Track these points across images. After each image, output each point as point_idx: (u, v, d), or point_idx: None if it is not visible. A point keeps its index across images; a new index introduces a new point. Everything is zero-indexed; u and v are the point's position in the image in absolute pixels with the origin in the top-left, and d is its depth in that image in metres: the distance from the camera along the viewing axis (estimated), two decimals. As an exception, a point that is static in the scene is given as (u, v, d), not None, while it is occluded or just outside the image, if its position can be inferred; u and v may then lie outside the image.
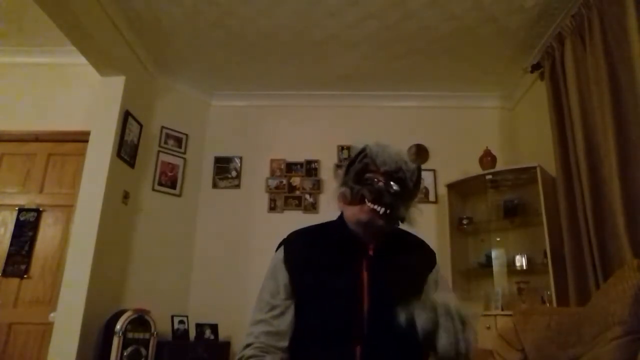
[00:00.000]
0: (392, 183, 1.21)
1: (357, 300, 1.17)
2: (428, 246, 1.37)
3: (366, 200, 1.20)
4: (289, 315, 1.21)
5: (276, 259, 1.28)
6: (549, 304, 2.92)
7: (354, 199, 1.22)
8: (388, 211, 1.20)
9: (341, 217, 1.30)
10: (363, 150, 1.26)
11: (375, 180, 1.21)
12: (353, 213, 1.24)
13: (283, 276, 1.24)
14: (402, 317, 1.04)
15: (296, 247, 1.28)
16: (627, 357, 1.58)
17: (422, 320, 1.01)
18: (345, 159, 1.28)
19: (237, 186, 4.06)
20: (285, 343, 1.19)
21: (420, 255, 1.33)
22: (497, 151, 3.74)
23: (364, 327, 1.14)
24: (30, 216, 3.39)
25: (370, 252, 1.24)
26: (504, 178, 3.50)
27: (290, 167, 4.06)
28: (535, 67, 3.39)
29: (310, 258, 1.24)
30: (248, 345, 1.19)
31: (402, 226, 1.29)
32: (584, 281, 2.60)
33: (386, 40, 3.39)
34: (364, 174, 1.23)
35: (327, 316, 1.17)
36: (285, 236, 1.33)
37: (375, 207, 1.19)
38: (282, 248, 1.29)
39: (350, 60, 3.68)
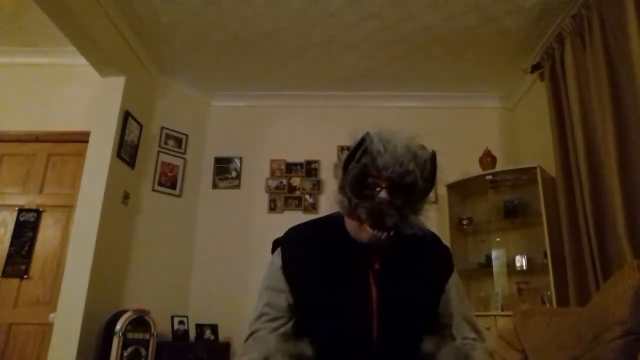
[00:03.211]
0: (397, 193, 1.01)
1: (365, 319, 1.04)
2: (442, 243, 1.22)
3: (365, 224, 1.02)
4: (288, 329, 1.09)
5: (274, 266, 1.14)
6: (549, 304, 2.92)
7: (352, 214, 1.05)
8: (392, 233, 1.02)
9: (343, 218, 1.13)
10: (363, 141, 1.03)
11: (377, 189, 1.01)
12: (353, 228, 1.08)
13: (283, 286, 1.11)
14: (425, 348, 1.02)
15: (295, 252, 1.13)
16: (627, 357, 1.58)
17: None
18: (342, 159, 1.09)
19: (237, 186, 4.06)
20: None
21: (434, 260, 1.17)
22: (497, 151, 3.74)
23: (372, 347, 1.03)
24: (30, 216, 3.39)
25: (377, 266, 1.10)
26: (504, 178, 3.50)
27: (290, 167, 4.06)
28: (535, 68, 3.39)
29: (311, 269, 1.10)
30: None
31: None
32: (584, 281, 2.60)
33: (386, 40, 3.39)
34: (364, 180, 1.03)
35: (333, 336, 1.05)
36: (282, 235, 1.20)
37: (375, 232, 1.01)
38: (279, 252, 1.15)
39: (350, 60, 3.67)
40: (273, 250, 1.19)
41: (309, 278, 1.09)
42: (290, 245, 1.15)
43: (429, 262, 1.15)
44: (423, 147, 1.07)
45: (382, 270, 1.09)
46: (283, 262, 1.12)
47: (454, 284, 1.19)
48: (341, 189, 1.07)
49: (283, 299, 1.10)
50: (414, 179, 1.01)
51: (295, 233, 1.18)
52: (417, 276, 1.11)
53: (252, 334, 1.10)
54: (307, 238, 1.16)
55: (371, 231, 1.01)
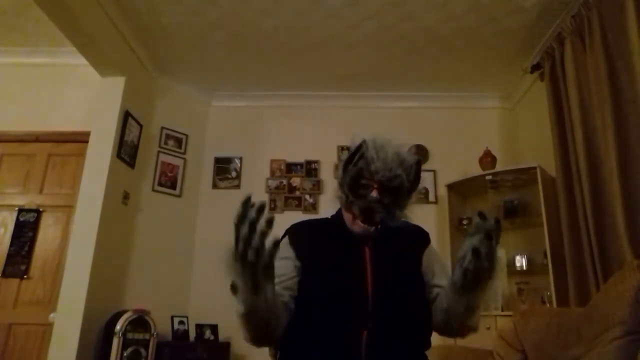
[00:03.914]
0: (386, 193, 1.21)
1: (361, 276, 1.19)
2: (422, 228, 1.40)
3: (357, 219, 1.23)
4: (294, 282, 1.22)
5: (282, 243, 1.29)
6: (549, 304, 2.92)
7: (348, 209, 1.26)
8: (379, 226, 1.23)
9: (340, 212, 1.35)
10: (359, 148, 1.24)
11: (370, 189, 1.21)
12: (348, 220, 1.29)
13: (289, 254, 1.26)
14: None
15: (300, 232, 1.32)
16: (627, 357, 1.58)
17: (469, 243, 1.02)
18: (342, 160, 1.32)
19: (237, 186, 4.06)
20: (285, 298, 1.18)
21: (414, 234, 1.37)
22: (497, 151, 3.74)
23: (369, 304, 1.16)
24: (30, 216, 3.39)
25: (369, 242, 1.27)
26: (503, 178, 3.50)
27: (290, 167, 4.06)
28: (535, 68, 3.39)
29: (314, 241, 1.29)
30: None
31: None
32: (584, 282, 2.60)
33: (386, 40, 3.39)
34: (359, 181, 1.22)
35: (332, 294, 1.18)
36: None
37: (366, 226, 1.22)
38: (286, 236, 1.32)
39: (350, 60, 3.68)
40: (282, 239, 1.34)
41: (312, 247, 1.27)
42: (296, 228, 1.36)
43: (409, 235, 1.35)
44: (411, 152, 1.27)
45: (374, 241, 1.27)
46: (289, 239, 1.30)
47: (434, 252, 1.37)
48: (340, 186, 1.28)
49: (289, 263, 1.25)
50: (401, 182, 1.21)
51: (298, 223, 1.38)
52: (400, 243, 1.30)
53: None
54: (310, 225, 1.38)
55: (362, 225, 1.22)
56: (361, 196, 1.21)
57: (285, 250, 1.27)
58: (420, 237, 1.38)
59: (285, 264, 1.25)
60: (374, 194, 1.20)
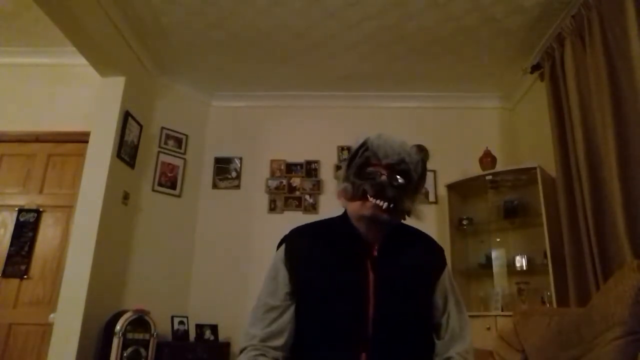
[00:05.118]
0: (395, 176, 1.15)
1: (362, 302, 1.12)
2: (435, 242, 1.31)
3: (368, 195, 1.14)
4: (288, 316, 1.17)
5: (277, 258, 1.23)
6: (549, 304, 2.92)
7: (356, 194, 1.16)
8: (392, 205, 1.13)
9: (345, 213, 1.26)
10: (364, 143, 1.19)
11: (378, 174, 1.15)
12: (355, 209, 1.18)
13: (283, 276, 1.19)
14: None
15: (297, 245, 1.23)
16: (627, 357, 1.58)
17: None
18: (345, 159, 1.29)
19: (237, 187, 4.06)
20: (281, 341, 1.14)
21: (427, 254, 1.27)
22: (497, 151, 3.74)
23: (369, 330, 1.10)
24: (30, 217, 3.39)
25: (375, 253, 1.19)
26: (504, 178, 3.50)
27: (290, 167, 4.06)
28: (535, 68, 3.39)
29: (312, 257, 1.19)
30: (243, 350, 1.15)
31: (409, 220, 1.23)
32: (584, 282, 2.60)
33: (386, 40, 3.39)
34: (366, 168, 1.17)
35: (330, 319, 1.13)
36: (286, 233, 1.29)
37: (378, 202, 1.13)
38: (282, 247, 1.25)
39: (350, 60, 3.68)
40: (278, 247, 1.28)
41: (310, 265, 1.18)
42: (293, 239, 1.26)
43: (422, 254, 1.25)
44: (416, 150, 1.21)
45: (379, 258, 1.18)
46: (285, 254, 1.22)
47: (448, 279, 1.27)
48: (346, 178, 1.20)
49: (282, 288, 1.19)
50: (408, 167, 1.16)
51: (298, 229, 1.29)
52: (410, 265, 1.20)
53: (254, 324, 1.17)
54: (310, 233, 1.27)
55: (374, 201, 1.13)
56: (370, 179, 1.16)
57: (280, 270, 1.20)
58: (435, 258, 1.27)
59: (276, 291, 1.18)
60: (383, 177, 1.15)
